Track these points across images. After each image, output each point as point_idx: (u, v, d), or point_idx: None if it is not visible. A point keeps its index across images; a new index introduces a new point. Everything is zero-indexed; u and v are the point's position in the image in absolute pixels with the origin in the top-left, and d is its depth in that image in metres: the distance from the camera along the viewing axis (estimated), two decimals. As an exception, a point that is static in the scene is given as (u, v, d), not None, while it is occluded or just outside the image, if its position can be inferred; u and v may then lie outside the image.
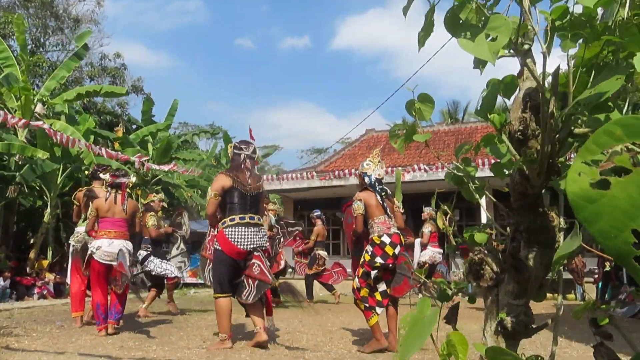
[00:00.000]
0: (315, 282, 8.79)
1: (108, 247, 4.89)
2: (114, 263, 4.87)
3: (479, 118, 1.28)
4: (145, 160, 8.34)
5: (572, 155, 0.99)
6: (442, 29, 1.10)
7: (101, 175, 5.52)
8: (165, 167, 9.25)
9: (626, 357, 1.35)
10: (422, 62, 15.58)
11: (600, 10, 1.07)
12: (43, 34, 18.51)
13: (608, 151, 0.63)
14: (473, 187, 1.33)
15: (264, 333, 4.05)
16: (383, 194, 4.20)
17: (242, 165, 4.26)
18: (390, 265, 4.07)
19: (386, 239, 4.05)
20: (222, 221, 4.13)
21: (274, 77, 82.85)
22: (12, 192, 11.25)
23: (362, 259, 4.13)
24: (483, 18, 1.04)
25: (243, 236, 4.07)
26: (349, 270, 6.04)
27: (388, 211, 4.19)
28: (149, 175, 14.20)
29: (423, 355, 3.69)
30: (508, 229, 1.27)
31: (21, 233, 13.56)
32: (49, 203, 11.93)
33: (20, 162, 11.14)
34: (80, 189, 6.16)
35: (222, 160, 20.69)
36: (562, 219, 1.17)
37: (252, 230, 4.13)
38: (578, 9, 1.05)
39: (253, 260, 4.15)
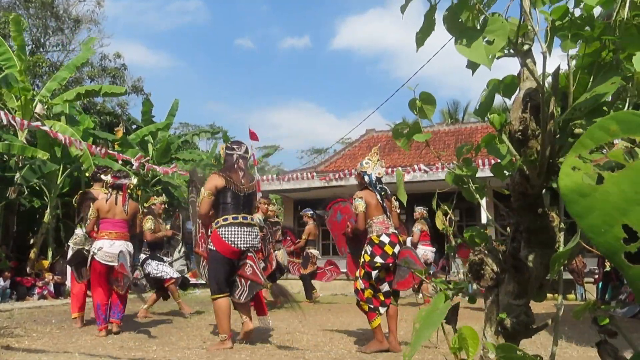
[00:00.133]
0: (317, 283, 8.78)
1: (109, 248, 4.91)
2: (115, 264, 4.88)
3: (479, 118, 1.28)
4: (145, 161, 8.35)
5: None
6: (442, 29, 1.10)
7: (102, 176, 5.54)
8: (164, 170, 9.25)
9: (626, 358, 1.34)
10: (422, 62, 15.59)
11: (599, 11, 1.07)
12: (43, 34, 18.52)
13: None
14: (473, 188, 1.33)
15: (250, 322, 4.14)
16: (383, 193, 4.20)
17: (235, 165, 4.27)
18: (391, 265, 4.07)
19: (385, 239, 4.05)
20: (216, 221, 4.15)
21: (274, 77, 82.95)
22: (13, 193, 11.25)
23: (362, 260, 4.12)
24: (482, 17, 1.04)
25: (237, 236, 4.09)
26: (343, 270, 5.99)
27: (387, 211, 4.19)
28: (149, 175, 14.20)
29: (423, 355, 3.69)
30: (508, 229, 1.27)
31: (21, 233, 13.56)
32: (49, 203, 11.94)
33: (20, 163, 11.14)
34: (82, 192, 6.18)
35: (221, 160, 20.65)
36: (562, 219, 1.17)
37: (246, 230, 4.15)
38: (578, 9, 1.05)
39: (246, 261, 4.18)
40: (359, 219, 4.12)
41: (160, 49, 76.99)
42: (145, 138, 15.05)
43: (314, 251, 8.58)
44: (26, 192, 12.06)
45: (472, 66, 1.16)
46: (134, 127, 17.30)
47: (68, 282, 6.48)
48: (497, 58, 1.10)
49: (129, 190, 5.18)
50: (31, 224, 13.93)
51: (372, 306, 4.02)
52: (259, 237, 4.42)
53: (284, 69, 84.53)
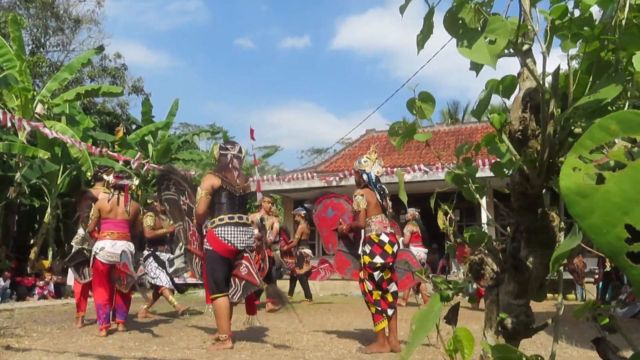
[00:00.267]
0: (316, 283, 8.78)
1: (111, 247, 4.95)
2: (117, 261, 4.92)
3: (476, 118, 1.28)
4: (146, 162, 8.36)
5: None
6: (442, 29, 1.10)
7: (104, 176, 5.54)
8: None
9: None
10: (422, 62, 15.61)
11: (597, 12, 1.07)
12: (43, 34, 18.52)
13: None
14: (473, 187, 1.33)
15: (229, 340, 4.11)
16: (382, 192, 4.19)
17: (230, 165, 4.27)
18: (391, 264, 4.07)
19: (385, 238, 4.04)
20: (211, 221, 4.15)
21: (274, 77, 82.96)
22: (13, 193, 11.25)
23: (362, 261, 4.09)
24: (482, 17, 1.04)
25: (233, 235, 4.10)
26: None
27: (386, 210, 4.18)
28: (149, 175, 14.20)
29: (423, 355, 3.69)
30: (508, 229, 1.27)
31: (22, 233, 13.56)
32: (49, 203, 11.94)
33: (20, 163, 11.14)
34: (81, 190, 6.18)
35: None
36: (562, 219, 1.17)
37: (242, 229, 4.16)
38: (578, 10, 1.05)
39: (242, 261, 4.18)
40: (360, 217, 4.07)
41: (160, 49, 77.06)
42: (146, 138, 15.04)
43: (307, 250, 8.57)
44: (27, 192, 12.07)
45: (476, 67, 1.16)
46: (133, 127, 17.30)
47: (70, 282, 6.47)
48: (498, 58, 1.10)
49: (130, 191, 5.19)
50: (31, 224, 13.94)
51: (379, 308, 3.98)
52: (254, 237, 4.43)
53: (284, 69, 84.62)
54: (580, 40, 1.06)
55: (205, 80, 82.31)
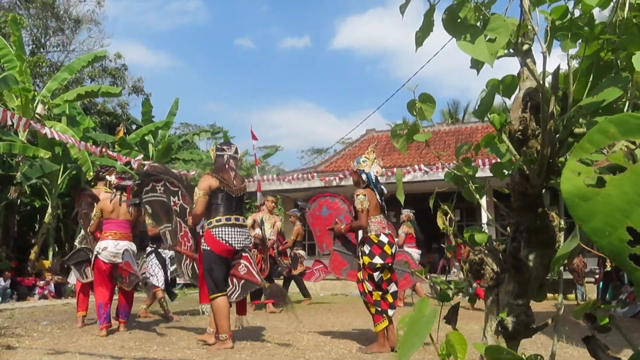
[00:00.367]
0: (317, 283, 8.77)
1: (114, 248, 4.99)
2: (119, 260, 4.97)
3: (478, 118, 1.28)
4: (147, 163, 8.36)
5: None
6: (442, 29, 1.10)
7: (107, 176, 5.54)
8: None
9: (626, 357, 1.34)
10: (422, 62, 15.59)
11: (597, 12, 1.07)
12: (44, 34, 18.54)
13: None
14: (473, 187, 1.33)
15: (213, 336, 4.18)
16: (381, 192, 4.18)
17: (227, 166, 4.28)
18: (390, 265, 4.07)
19: (384, 239, 4.04)
20: (209, 222, 4.16)
21: (274, 77, 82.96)
22: (13, 193, 11.26)
23: (361, 262, 4.08)
24: (482, 16, 1.04)
25: (230, 236, 4.12)
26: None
27: (385, 211, 4.18)
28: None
29: (424, 355, 3.69)
30: (508, 229, 1.27)
31: (22, 233, 13.58)
32: (49, 203, 11.95)
33: (21, 163, 11.15)
34: (81, 188, 6.18)
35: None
36: (562, 219, 1.17)
37: (239, 230, 4.18)
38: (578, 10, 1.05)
39: (240, 260, 4.20)
40: (362, 217, 4.04)
41: (160, 49, 77.05)
42: (146, 138, 15.04)
43: (301, 252, 8.58)
44: (27, 192, 12.08)
45: (476, 65, 1.16)
46: (134, 127, 17.31)
47: (72, 280, 6.46)
48: (498, 58, 1.10)
49: (132, 192, 5.20)
50: (32, 224, 13.95)
51: (379, 309, 3.97)
52: (250, 237, 4.45)
53: (284, 69, 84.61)
54: (580, 40, 1.06)
55: (205, 80, 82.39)
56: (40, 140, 11.35)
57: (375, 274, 3.97)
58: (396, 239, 7.65)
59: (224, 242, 4.08)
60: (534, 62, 1.16)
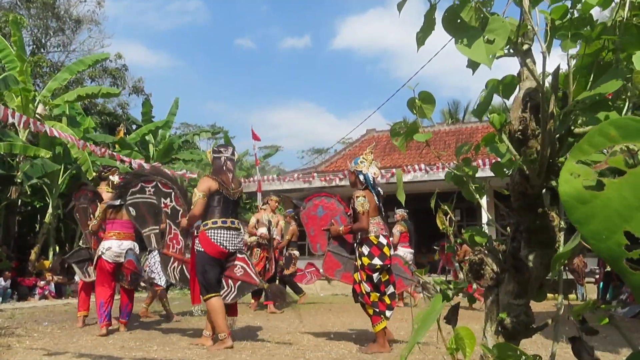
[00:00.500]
0: (317, 283, 8.76)
1: (118, 247, 5.03)
2: (122, 260, 5.00)
3: (477, 118, 1.28)
4: (147, 165, 8.37)
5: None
6: (442, 29, 1.09)
7: (109, 176, 5.55)
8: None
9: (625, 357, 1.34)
10: (423, 62, 15.59)
11: (597, 12, 1.07)
12: (44, 34, 18.54)
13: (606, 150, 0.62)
14: (473, 187, 1.33)
15: (210, 339, 4.20)
16: (378, 194, 4.18)
17: (224, 168, 4.30)
18: (389, 266, 4.08)
19: (383, 240, 4.04)
20: (204, 223, 4.17)
21: (274, 77, 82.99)
22: (14, 193, 11.26)
23: (359, 262, 4.07)
24: (482, 16, 1.04)
25: (225, 238, 4.14)
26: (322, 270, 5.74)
27: (382, 212, 4.18)
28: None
29: (424, 356, 3.69)
30: (508, 229, 1.27)
31: (23, 233, 13.58)
32: (50, 203, 11.95)
33: (21, 162, 11.15)
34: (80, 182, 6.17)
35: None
36: (562, 219, 1.17)
37: (233, 233, 4.21)
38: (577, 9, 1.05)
39: (236, 262, 4.21)
40: (363, 219, 4.03)
41: (160, 49, 77.03)
42: (147, 138, 15.04)
43: (296, 252, 8.60)
44: (28, 192, 12.08)
45: (473, 65, 1.16)
46: (134, 127, 17.31)
47: (77, 279, 6.48)
48: (497, 58, 1.10)
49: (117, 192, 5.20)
50: (32, 224, 13.96)
51: (377, 310, 3.97)
52: (243, 240, 4.50)
53: (284, 69, 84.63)
54: (580, 40, 1.06)
55: (206, 80, 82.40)
56: (41, 140, 11.35)
57: (375, 275, 3.97)
58: (391, 238, 7.71)
59: (218, 244, 4.10)
60: (534, 62, 1.15)
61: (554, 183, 1.10)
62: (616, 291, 8.52)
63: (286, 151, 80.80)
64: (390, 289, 4.10)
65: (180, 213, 4.55)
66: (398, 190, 1.40)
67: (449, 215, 1.38)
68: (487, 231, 1.39)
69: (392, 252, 4.10)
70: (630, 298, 7.50)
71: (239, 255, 4.22)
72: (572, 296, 9.53)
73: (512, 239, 1.21)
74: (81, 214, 5.62)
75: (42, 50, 18.33)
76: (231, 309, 4.57)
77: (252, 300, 7.63)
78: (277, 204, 7.73)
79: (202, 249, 4.12)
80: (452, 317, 1.23)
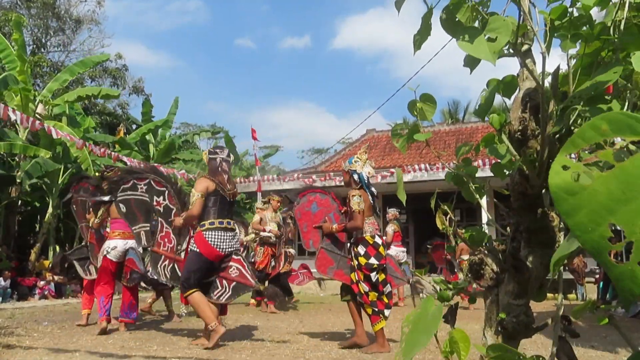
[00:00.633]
0: (318, 283, 8.77)
1: (123, 247, 5.07)
2: (124, 258, 5.06)
3: (479, 118, 1.28)
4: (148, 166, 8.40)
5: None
6: (442, 29, 1.10)
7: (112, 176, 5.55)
8: (165, 171, 9.30)
9: (625, 358, 1.34)
10: (423, 62, 15.60)
11: (597, 12, 1.07)
12: (44, 34, 18.54)
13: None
14: (473, 187, 1.33)
15: (205, 339, 4.18)
16: (373, 193, 4.19)
17: (220, 169, 4.32)
18: (385, 265, 4.10)
19: (378, 240, 4.05)
20: (201, 224, 4.16)
21: (274, 77, 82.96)
22: (14, 192, 11.27)
23: (356, 262, 4.06)
24: (480, 17, 1.04)
25: (222, 239, 4.15)
26: (314, 270, 5.64)
27: (377, 211, 4.19)
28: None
29: (424, 356, 3.69)
30: (508, 229, 1.27)
31: (22, 233, 13.58)
32: (50, 203, 11.95)
33: (21, 162, 11.15)
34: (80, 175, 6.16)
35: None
36: (562, 219, 1.17)
37: (229, 235, 4.22)
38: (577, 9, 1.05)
39: (231, 263, 4.22)
40: (358, 218, 4.02)
41: (160, 49, 77.00)
42: (147, 137, 15.03)
43: (292, 250, 8.61)
44: (28, 192, 12.08)
45: (470, 64, 1.16)
46: (134, 127, 17.31)
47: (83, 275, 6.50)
48: (498, 57, 1.10)
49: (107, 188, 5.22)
50: (32, 224, 13.95)
51: (376, 309, 3.98)
52: (239, 241, 4.51)
53: (284, 69, 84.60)
54: (580, 40, 1.06)
55: (206, 80, 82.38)
56: (41, 140, 11.35)
57: (372, 275, 3.98)
58: (384, 237, 7.73)
59: (215, 246, 4.11)
60: (534, 62, 1.16)
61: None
62: (616, 291, 8.51)
63: (286, 151, 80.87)
64: (388, 288, 4.12)
65: (173, 212, 4.54)
66: (398, 189, 1.40)
67: (448, 215, 1.38)
68: (487, 231, 1.39)
69: (386, 252, 4.12)
70: (630, 298, 7.49)
71: (234, 256, 4.23)
72: (572, 296, 9.54)
73: (512, 239, 1.21)
74: (79, 207, 5.60)
75: (42, 50, 18.33)
76: (222, 309, 4.58)
77: (252, 301, 7.64)
78: (278, 203, 7.76)
79: (197, 250, 4.13)
80: (450, 317, 1.23)
